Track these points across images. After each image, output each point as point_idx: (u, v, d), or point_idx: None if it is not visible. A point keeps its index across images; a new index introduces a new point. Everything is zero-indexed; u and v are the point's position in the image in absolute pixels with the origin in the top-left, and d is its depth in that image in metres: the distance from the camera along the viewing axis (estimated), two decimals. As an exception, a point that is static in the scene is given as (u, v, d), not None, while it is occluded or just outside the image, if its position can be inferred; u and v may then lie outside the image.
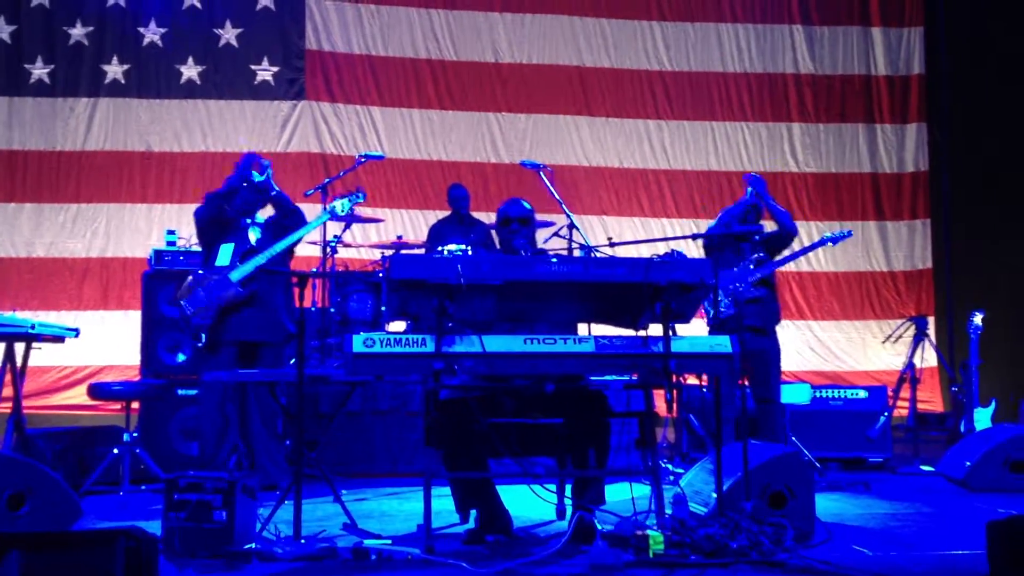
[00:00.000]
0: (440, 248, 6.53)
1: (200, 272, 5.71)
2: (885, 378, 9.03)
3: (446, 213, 8.16)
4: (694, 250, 6.90)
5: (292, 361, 5.76)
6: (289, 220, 5.81)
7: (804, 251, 6.89)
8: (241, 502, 3.96)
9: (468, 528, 4.34)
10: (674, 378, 4.09)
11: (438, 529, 4.25)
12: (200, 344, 5.67)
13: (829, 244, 6.79)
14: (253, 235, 5.83)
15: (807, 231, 10.15)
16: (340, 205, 5.84)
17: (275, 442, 5.86)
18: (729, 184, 10.03)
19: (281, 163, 9.42)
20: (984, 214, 9.90)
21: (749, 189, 6.26)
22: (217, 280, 5.64)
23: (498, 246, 5.23)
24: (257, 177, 5.78)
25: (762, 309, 6.18)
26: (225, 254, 5.73)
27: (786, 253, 6.48)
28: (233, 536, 3.90)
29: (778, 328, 6.34)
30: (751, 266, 6.15)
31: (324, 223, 6.10)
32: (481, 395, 4.26)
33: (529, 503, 4.66)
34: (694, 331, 4.75)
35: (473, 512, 4.35)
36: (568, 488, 4.62)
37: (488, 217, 8.64)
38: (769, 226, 6.40)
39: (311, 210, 6.19)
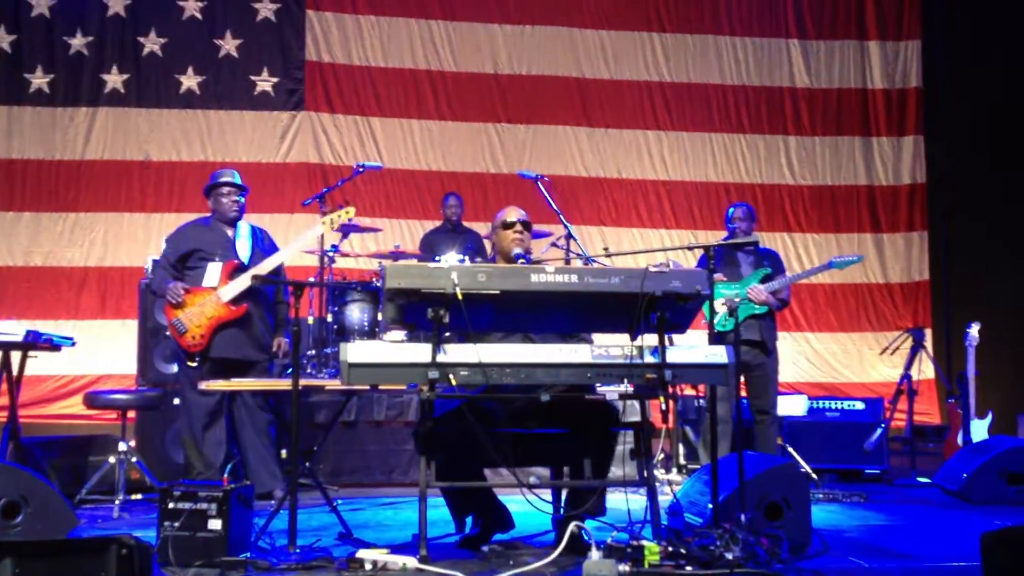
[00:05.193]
0: (437, 258, 6.56)
1: (188, 290, 5.71)
2: (882, 390, 9.04)
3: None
4: (691, 260, 6.92)
5: (289, 371, 5.76)
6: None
7: (809, 273, 6.93)
8: (236, 511, 3.97)
9: (466, 534, 4.34)
10: (670, 388, 4.08)
11: (434, 538, 4.25)
12: (194, 365, 5.67)
13: (834, 268, 6.64)
14: (244, 245, 5.85)
15: (804, 244, 10.20)
16: (330, 220, 5.86)
17: (269, 451, 5.86)
18: (727, 195, 10.04)
19: (280, 173, 9.47)
20: (981, 226, 9.90)
21: (732, 226, 6.35)
22: (208, 299, 5.65)
23: (491, 252, 5.22)
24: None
25: (761, 325, 6.19)
26: (213, 273, 5.73)
27: (791, 274, 6.53)
28: (228, 545, 3.90)
29: (777, 344, 6.35)
30: (757, 282, 6.16)
31: (321, 236, 6.12)
32: (473, 404, 4.24)
33: (524, 513, 4.65)
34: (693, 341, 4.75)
35: (468, 519, 4.34)
36: (563, 499, 4.60)
37: (487, 228, 8.64)
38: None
39: (308, 220, 6.21)
